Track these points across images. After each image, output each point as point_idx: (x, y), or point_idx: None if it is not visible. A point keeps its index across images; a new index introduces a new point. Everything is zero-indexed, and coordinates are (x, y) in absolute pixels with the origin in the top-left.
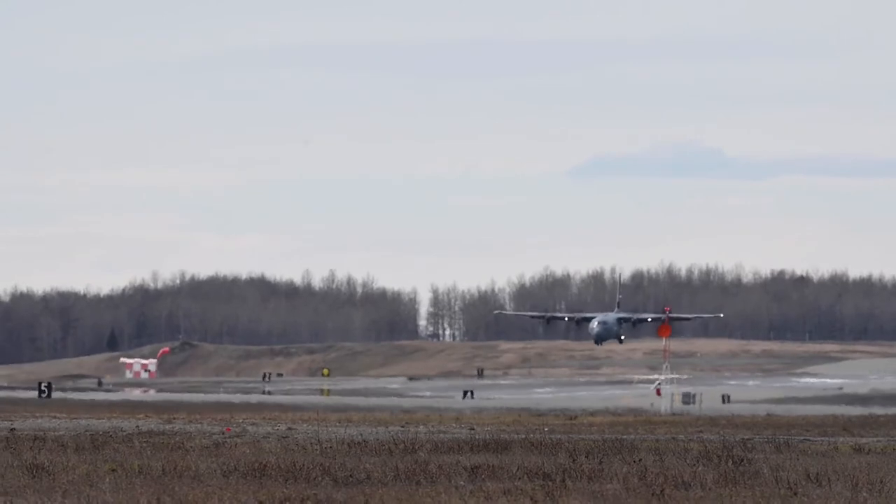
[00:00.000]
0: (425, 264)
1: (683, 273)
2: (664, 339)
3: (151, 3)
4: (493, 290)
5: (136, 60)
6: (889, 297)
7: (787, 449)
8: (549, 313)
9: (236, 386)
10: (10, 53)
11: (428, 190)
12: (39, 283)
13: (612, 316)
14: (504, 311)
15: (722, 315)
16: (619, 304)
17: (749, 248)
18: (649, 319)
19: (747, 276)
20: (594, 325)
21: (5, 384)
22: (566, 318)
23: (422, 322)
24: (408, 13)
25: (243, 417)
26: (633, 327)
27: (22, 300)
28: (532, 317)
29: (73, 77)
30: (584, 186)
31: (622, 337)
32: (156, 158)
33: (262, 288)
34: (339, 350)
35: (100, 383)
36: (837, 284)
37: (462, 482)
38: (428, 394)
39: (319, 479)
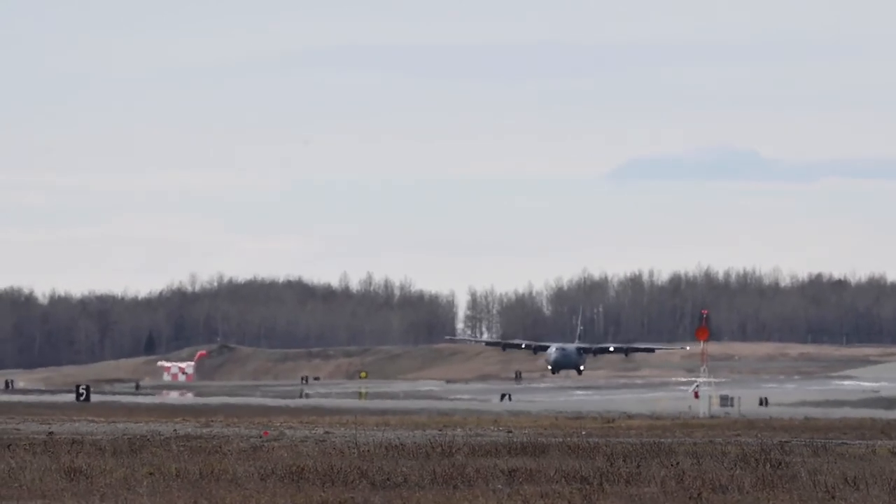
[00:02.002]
0: (463, 267)
1: (721, 276)
2: (702, 343)
3: (191, 7)
4: (530, 293)
5: (173, 63)
6: None
7: (824, 452)
8: (506, 340)
9: (274, 389)
10: (49, 55)
11: (466, 192)
12: (77, 286)
13: (571, 345)
14: (454, 338)
15: (688, 348)
16: (580, 335)
17: (787, 251)
18: (611, 349)
19: (785, 280)
20: (552, 351)
21: (43, 387)
22: (523, 346)
23: (459, 325)
24: (449, 14)
25: (281, 421)
26: (594, 357)
27: (60, 303)
28: (488, 343)
29: (110, 80)
30: (622, 189)
31: (581, 367)
32: (194, 161)
33: (300, 291)
34: (377, 353)
35: (137, 386)
36: (875, 287)
37: (499, 485)
38: (465, 397)
39: (357, 482)
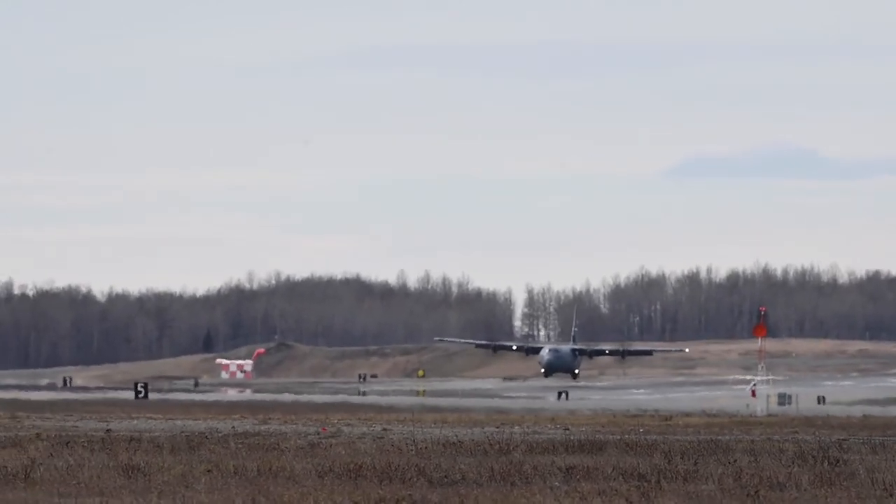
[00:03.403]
0: (520, 264)
1: (779, 273)
2: (759, 340)
3: (245, 5)
4: (587, 291)
5: (229, 62)
6: None
7: (882, 450)
8: (496, 342)
9: (331, 387)
10: (103, 52)
11: (524, 189)
12: (135, 283)
13: (565, 347)
14: (444, 339)
15: (686, 350)
16: (574, 336)
17: (844, 249)
18: (607, 351)
19: (843, 276)
20: (544, 353)
21: (101, 385)
22: (514, 348)
23: (517, 323)
24: (502, 13)
25: (338, 418)
26: (589, 359)
27: (118, 301)
28: (478, 345)
29: (167, 77)
30: (680, 186)
31: (577, 371)
32: (253, 159)
33: (358, 288)
34: (435, 351)
35: (196, 384)
36: None
37: (556, 483)
38: (523, 394)
39: (414, 479)
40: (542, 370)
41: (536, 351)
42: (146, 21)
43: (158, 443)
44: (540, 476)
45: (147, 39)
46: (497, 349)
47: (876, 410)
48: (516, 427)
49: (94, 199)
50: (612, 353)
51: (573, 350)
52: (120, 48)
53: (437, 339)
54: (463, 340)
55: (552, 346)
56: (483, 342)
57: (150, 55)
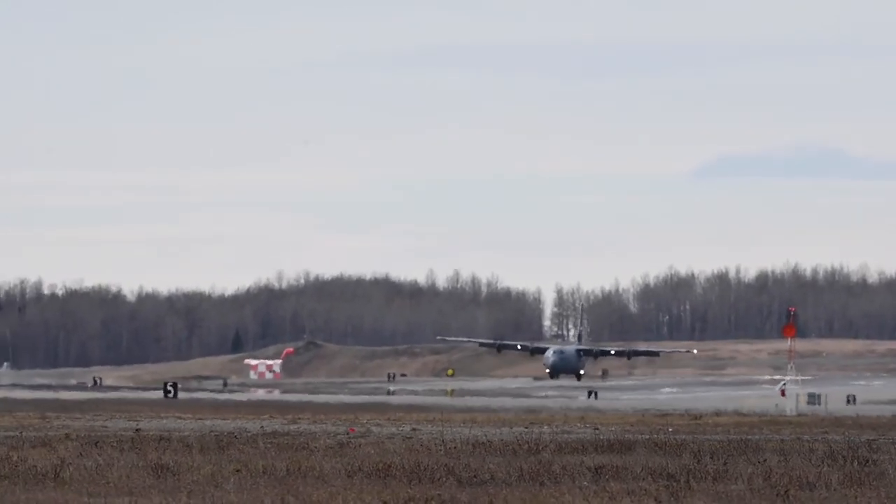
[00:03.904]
0: (550, 264)
1: (808, 273)
2: (789, 340)
3: (287, 3)
4: (617, 290)
5: (260, 60)
6: None
7: None
8: (500, 341)
9: (361, 387)
10: (137, 50)
11: (553, 189)
12: (165, 283)
13: (570, 347)
14: (446, 338)
15: (695, 351)
16: (580, 335)
17: (874, 248)
18: (612, 352)
19: (872, 276)
20: (549, 354)
21: (131, 384)
22: (519, 347)
23: (546, 322)
24: (538, 12)
25: (368, 418)
26: (594, 360)
27: (147, 300)
28: (482, 344)
29: (200, 76)
30: (709, 186)
31: (582, 371)
32: (281, 158)
33: (387, 288)
34: (464, 350)
35: (225, 384)
36: None
37: (586, 483)
38: (552, 394)
39: (443, 479)
40: (547, 371)
41: (542, 351)
42: (180, 17)
43: (188, 442)
44: (569, 476)
45: (182, 36)
46: (501, 348)
47: None
48: (545, 427)
49: (123, 199)
50: (618, 353)
51: (578, 351)
52: (153, 46)
53: (440, 337)
54: (465, 339)
55: (557, 347)
56: (488, 341)
57: (181, 53)
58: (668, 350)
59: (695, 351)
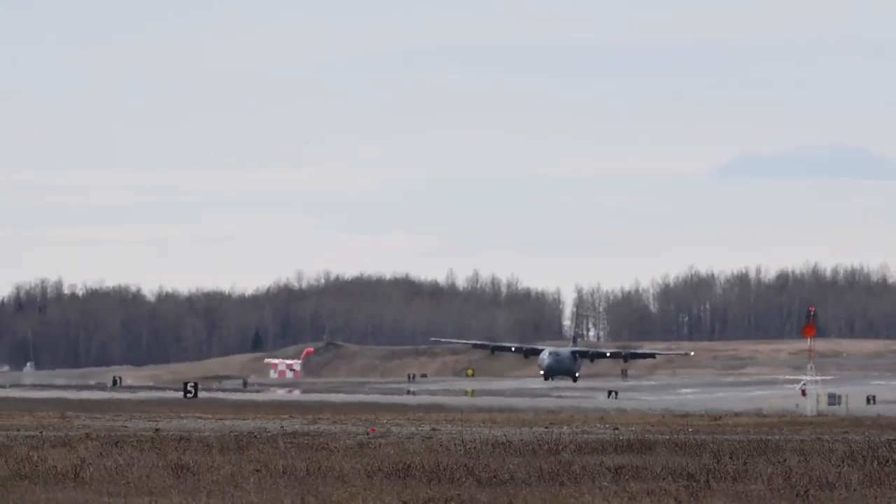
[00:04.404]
0: (569, 264)
1: (829, 273)
2: (809, 340)
3: (310, 4)
4: (637, 291)
5: (284, 60)
6: None
7: None
8: (494, 343)
9: (380, 386)
10: (162, 52)
11: (573, 189)
12: (185, 283)
13: (565, 349)
14: (440, 340)
15: (692, 353)
16: (574, 338)
17: (894, 248)
18: (608, 354)
19: (893, 276)
20: (544, 356)
21: (151, 384)
22: (513, 349)
23: (566, 322)
24: (561, 13)
25: (387, 418)
26: (591, 362)
27: (167, 300)
28: (475, 346)
29: (216, 75)
30: (730, 186)
31: (577, 374)
32: (301, 158)
33: (407, 288)
34: (484, 350)
35: (245, 384)
36: None
37: (605, 483)
38: (572, 394)
39: (463, 479)
40: (542, 373)
41: (536, 353)
42: (205, 18)
43: (207, 442)
44: (589, 476)
45: (210, 38)
46: (495, 350)
47: None
48: (565, 427)
49: (145, 198)
50: (613, 355)
51: (573, 352)
52: (177, 48)
53: (433, 339)
54: (457, 341)
55: (552, 349)
56: (480, 343)
57: (207, 55)
58: (663, 352)
59: (692, 353)
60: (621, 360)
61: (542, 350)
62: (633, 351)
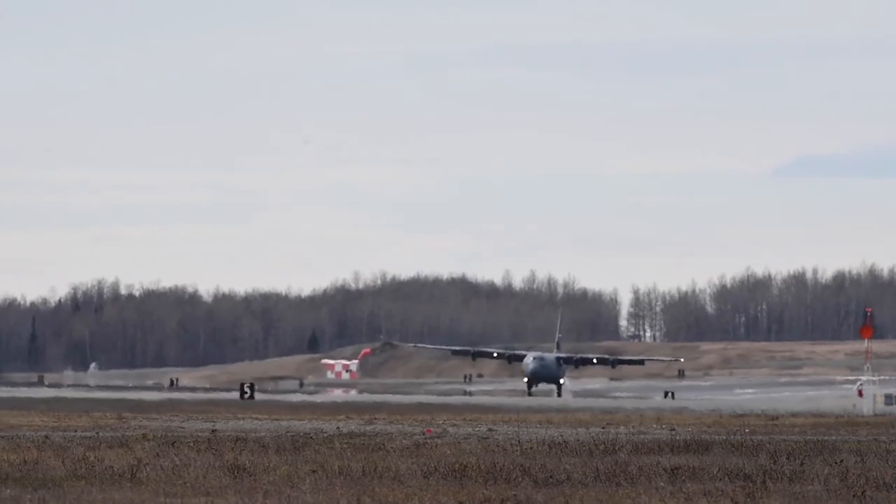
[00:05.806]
0: (626, 265)
1: (886, 273)
2: (866, 340)
3: (369, 3)
4: (693, 291)
5: (340, 59)
6: None
7: None
8: (475, 349)
9: (437, 387)
10: (216, 52)
11: (630, 188)
12: (241, 283)
13: (550, 355)
14: (423, 345)
15: (682, 360)
16: (558, 343)
17: None
18: (594, 360)
19: None
20: (528, 361)
21: (207, 385)
22: (495, 354)
23: (623, 323)
24: (602, 12)
25: (444, 418)
26: (575, 369)
27: (224, 301)
28: (454, 352)
29: (271, 76)
30: (787, 186)
31: (562, 381)
32: (359, 158)
33: (463, 288)
34: (541, 351)
35: (301, 384)
36: None
37: (662, 483)
38: (629, 394)
39: (519, 479)
40: (525, 379)
41: (520, 359)
42: (260, 19)
43: (264, 443)
44: (645, 476)
45: (267, 37)
46: (476, 356)
47: None
48: (622, 427)
49: (202, 198)
50: (600, 361)
51: (558, 359)
52: (232, 48)
53: (419, 345)
54: (434, 346)
55: (537, 354)
56: (460, 349)
57: (262, 54)
58: (652, 358)
59: (682, 359)
60: (609, 366)
61: (524, 355)
62: (620, 357)
